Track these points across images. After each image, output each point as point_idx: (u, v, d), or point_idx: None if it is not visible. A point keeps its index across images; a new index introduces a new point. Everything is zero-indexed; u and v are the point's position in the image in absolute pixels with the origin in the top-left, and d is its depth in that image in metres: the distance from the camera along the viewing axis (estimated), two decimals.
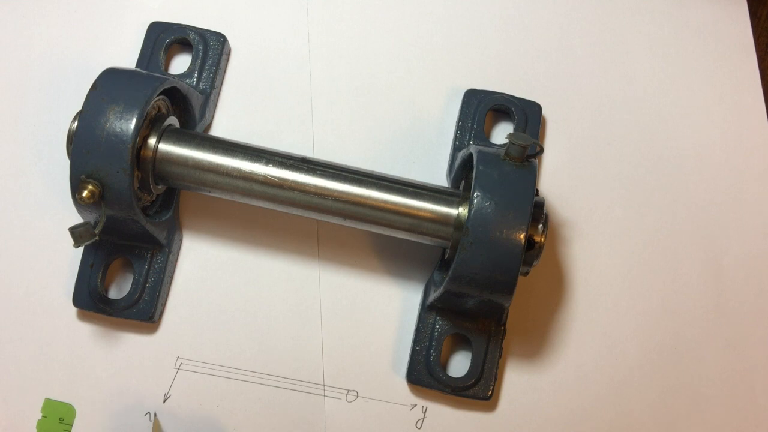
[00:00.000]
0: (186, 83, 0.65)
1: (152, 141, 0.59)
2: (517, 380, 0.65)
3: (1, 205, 0.67)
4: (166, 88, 0.60)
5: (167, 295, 0.66)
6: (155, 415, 0.63)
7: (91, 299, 0.64)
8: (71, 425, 0.63)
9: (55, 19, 0.70)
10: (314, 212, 0.60)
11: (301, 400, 0.64)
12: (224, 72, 0.70)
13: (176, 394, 0.64)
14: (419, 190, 0.60)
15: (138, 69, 0.65)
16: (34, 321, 0.65)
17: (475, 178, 0.56)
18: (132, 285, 0.64)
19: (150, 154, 0.59)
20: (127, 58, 0.69)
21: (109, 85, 0.57)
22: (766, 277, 0.67)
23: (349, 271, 0.66)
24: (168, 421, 0.63)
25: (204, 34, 0.69)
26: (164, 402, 0.64)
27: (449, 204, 0.59)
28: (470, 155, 0.60)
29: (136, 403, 0.64)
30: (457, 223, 0.58)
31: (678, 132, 0.69)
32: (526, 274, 0.59)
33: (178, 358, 0.65)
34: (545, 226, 0.58)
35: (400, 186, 0.60)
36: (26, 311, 0.65)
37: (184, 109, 0.65)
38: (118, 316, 0.64)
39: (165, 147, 0.60)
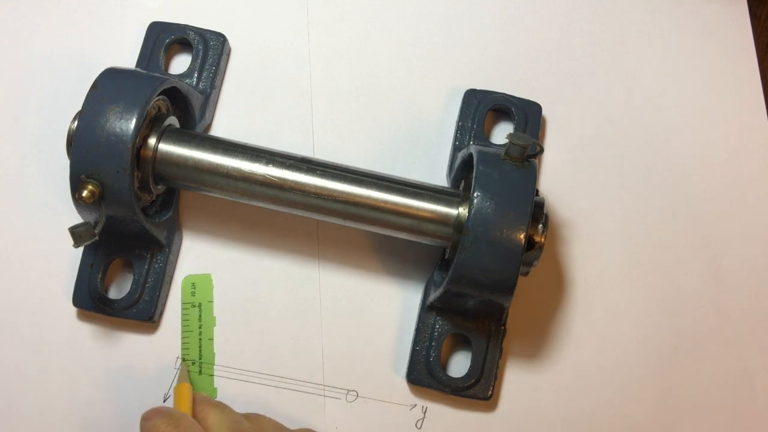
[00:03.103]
0: (186, 83, 0.65)
1: (152, 141, 0.59)
2: (517, 380, 0.65)
3: (1, 205, 0.67)
4: (166, 88, 0.60)
5: (167, 295, 0.66)
6: (182, 359, 0.63)
7: (91, 299, 0.64)
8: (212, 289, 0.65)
9: (55, 19, 0.70)
10: (314, 212, 0.60)
11: (301, 400, 0.64)
12: (224, 72, 0.70)
13: None
14: (419, 190, 0.60)
15: (138, 69, 0.65)
16: (34, 321, 0.65)
17: (475, 178, 0.56)
18: (132, 285, 0.64)
19: (150, 154, 0.59)
20: (127, 58, 0.69)
21: (109, 85, 0.57)
22: (766, 277, 0.67)
23: (349, 271, 0.66)
24: None
25: (204, 34, 0.69)
26: (164, 402, 0.64)
27: (449, 204, 0.59)
28: (470, 155, 0.60)
29: (137, 403, 0.64)
30: (457, 223, 0.58)
31: (678, 132, 0.69)
32: (526, 274, 0.59)
33: (178, 358, 0.65)
34: (545, 226, 0.58)
35: (400, 186, 0.60)
36: (26, 311, 0.65)
37: (184, 109, 0.65)
38: (118, 316, 0.64)
39: (165, 147, 0.60)
